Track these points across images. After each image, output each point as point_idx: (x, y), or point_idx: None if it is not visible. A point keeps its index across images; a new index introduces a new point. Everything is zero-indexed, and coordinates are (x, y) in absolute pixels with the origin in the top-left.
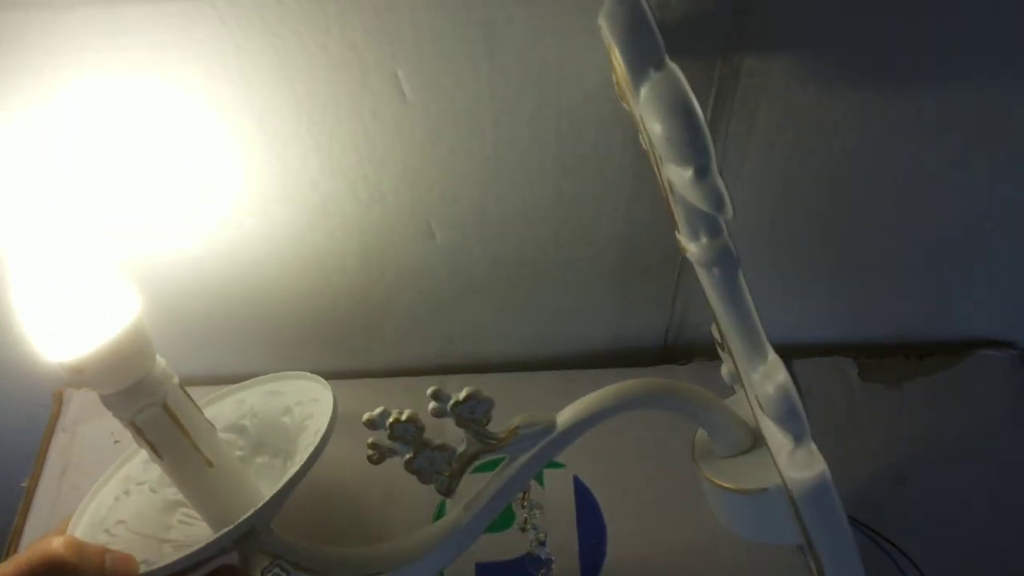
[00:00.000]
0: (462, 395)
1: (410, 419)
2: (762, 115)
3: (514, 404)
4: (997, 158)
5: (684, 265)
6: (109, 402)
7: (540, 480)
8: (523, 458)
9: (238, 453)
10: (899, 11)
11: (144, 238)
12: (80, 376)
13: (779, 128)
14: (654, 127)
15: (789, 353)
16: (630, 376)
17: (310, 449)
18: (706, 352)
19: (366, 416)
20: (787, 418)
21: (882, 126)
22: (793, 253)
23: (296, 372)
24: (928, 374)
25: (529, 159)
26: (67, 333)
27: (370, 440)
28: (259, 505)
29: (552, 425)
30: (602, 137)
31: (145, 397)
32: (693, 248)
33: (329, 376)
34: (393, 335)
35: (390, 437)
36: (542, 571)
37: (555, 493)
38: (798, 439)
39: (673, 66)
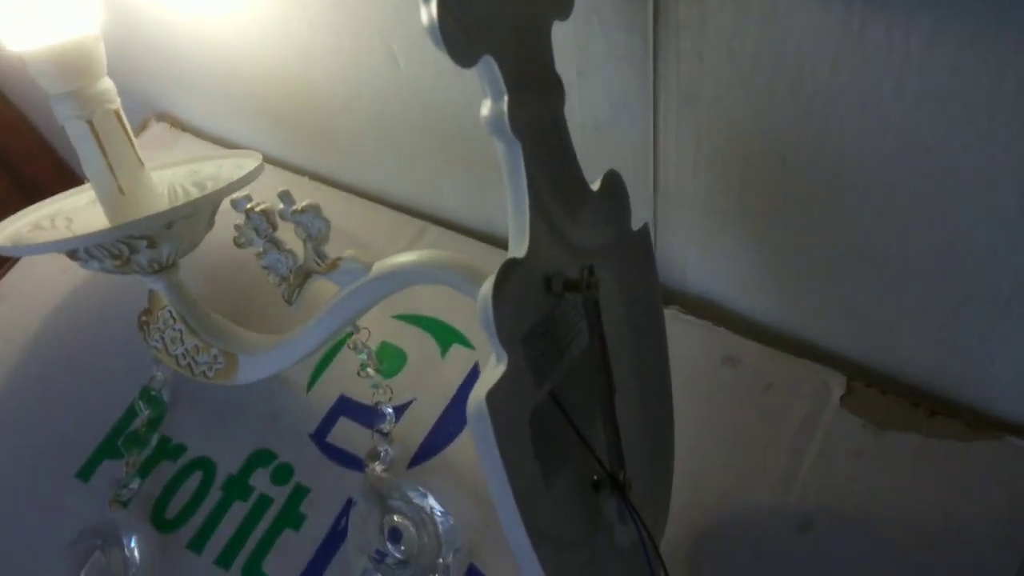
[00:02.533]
0: (302, 204)
1: (264, 212)
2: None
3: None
4: None
5: None
6: (51, 100)
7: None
8: (343, 293)
9: None
10: None
11: None
12: (23, 68)
13: (736, 28)
14: None
15: (777, 342)
16: None
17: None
18: None
19: (233, 195)
20: (483, 326)
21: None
22: (774, 213)
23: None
24: (927, 435)
25: None
26: (20, 25)
27: (236, 222)
28: (144, 216)
29: (367, 268)
30: None
31: (74, 108)
32: (483, 111)
33: (318, 178)
34: (389, 164)
35: (245, 224)
36: (379, 426)
37: (452, 369)
38: (498, 356)
39: None
